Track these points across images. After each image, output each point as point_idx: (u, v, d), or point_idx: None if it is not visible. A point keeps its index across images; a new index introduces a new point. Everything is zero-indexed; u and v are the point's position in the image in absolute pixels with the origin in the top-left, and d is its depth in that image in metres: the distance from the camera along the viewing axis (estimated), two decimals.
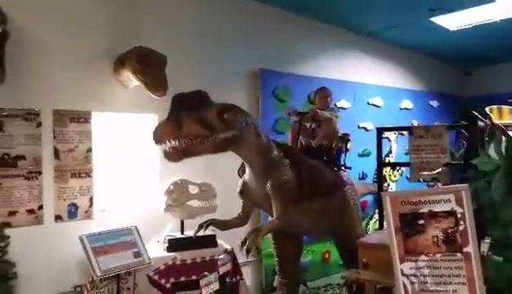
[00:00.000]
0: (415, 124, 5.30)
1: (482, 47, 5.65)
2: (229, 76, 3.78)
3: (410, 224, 1.41)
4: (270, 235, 3.11)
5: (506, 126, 3.75)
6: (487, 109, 4.04)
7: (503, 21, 4.05)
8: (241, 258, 2.91)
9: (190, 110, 2.28)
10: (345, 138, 3.27)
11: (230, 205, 2.94)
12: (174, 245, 2.90)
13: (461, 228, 1.32)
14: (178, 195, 2.91)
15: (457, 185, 1.35)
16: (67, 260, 2.71)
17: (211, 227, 2.81)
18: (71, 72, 2.89)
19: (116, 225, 2.81)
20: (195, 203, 2.97)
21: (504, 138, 3.56)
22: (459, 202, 1.33)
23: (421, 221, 1.40)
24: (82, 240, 2.58)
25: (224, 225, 2.85)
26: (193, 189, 2.99)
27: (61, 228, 2.81)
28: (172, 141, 2.21)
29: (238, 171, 2.90)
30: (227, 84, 3.74)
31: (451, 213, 1.35)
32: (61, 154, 2.83)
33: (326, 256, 4.29)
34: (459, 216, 1.33)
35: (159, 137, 2.26)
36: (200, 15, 3.62)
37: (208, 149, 2.37)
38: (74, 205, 2.90)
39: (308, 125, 3.17)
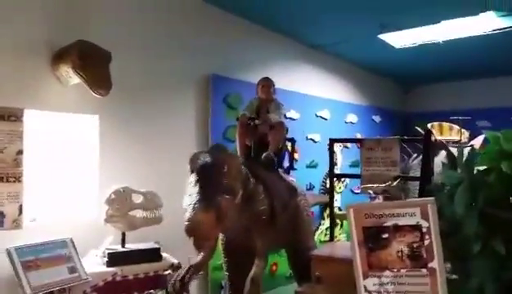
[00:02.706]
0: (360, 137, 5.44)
1: (423, 66, 5.96)
2: (179, 79, 3.63)
3: (374, 238, 1.36)
4: (221, 249, 2.98)
5: (447, 141, 3.95)
6: (429, 125, 4.24)
7: (445, 42, 4.27)
8: None
9: (220, 183, 2.16)
10: (292, 140, 3.27)
11: (177, 215, 2.77)
12: (114, 259, 2.66)
13: (427, 242, 1.29)
14: (120, 205, 2.70)
15: (423, 198, 1.31)
16: None
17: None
18: (1, 64, 2.59)
19: (49, 237, 2.53)
20: (138, 213, 2.76)
21: (444, 152, 3.76)
22: (424, 216, 1.29)
23: (385, 235, 1.35)
24: (9, 253, 2.30)
25: (200, 267, 2.67)
26: (137, 198, 2.78)
27: None
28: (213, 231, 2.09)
29: None
30: (176, 87, 3.60)
31: (416, 227, 1.31)
32: None
33: (274, 268, 4.21)
34: (424, 230, 1.29)
35: (199, 234, 2.08)
36: (151, 15, 3.44)
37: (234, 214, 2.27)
38: (1, 213, 2.57)
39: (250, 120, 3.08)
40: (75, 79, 2.67)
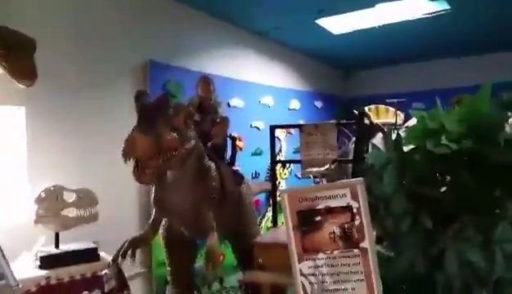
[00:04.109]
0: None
1: (362, 51, 6.12)
2: (113, 67, 3.45)
3: (308, 221, 1.35)
4: (162, 242, 2.89)
5: (384, 124, 4.09)
6: (366, 108, 4.36)
7: (381, 27, 4.39)
8: (128, 270, 2.64)
9: (165, 119, 2.01)
10: (232, 136, 3.22)
11: (113, 211, 2.66)
12: (48, 262, 2.50)
13: (357, 222, 1.29)
14: (51, 204, 2.53)
15: (352, 179, 1.32)
16: None
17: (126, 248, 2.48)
18: None
19: None
20: (71, 212, 2.61)
21: (381, 134, 3.89)
22: (354, 197, 1.30)
23: (318, 218, 1.34)
24: None
25: (141, 242, 2.55)
26: (69, 197, 2.63)
27: None
28: (151, 158, 1.91)
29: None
30: (111, 75, 3.42)
31: (347, 208, 1.31)
32: None
33: (220, 258, 4.18)
34: (354, 210, 1.30)
35: (131, 152, 1.90)
36: None
37: (178, 164, 2.13)
38: None
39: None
40: None
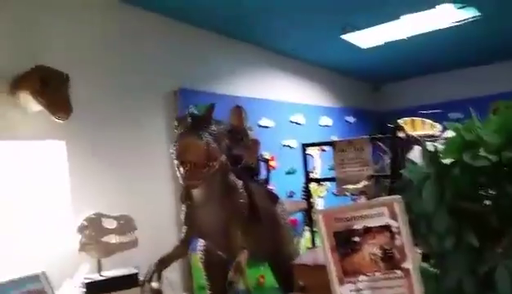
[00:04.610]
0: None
1: (392, 63, 6.05)
2: (144, 96, 3.57)
3: (346, 242, 1.32)
4: (201, 265, 2.90)
5: (420, 136, 3.99)
6: (400, 121, 4.27)
7: (409, 38, 4.33)
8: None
9: (211, 129, 2.14)
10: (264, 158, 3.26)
11: (152, 236, 2.71)
12: (92, 288, 2.57)
13: (398, 242, 1.25)
14: (93, 231, 2.61)
15: (389, 197, 1.29)
16: None
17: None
18: None
19: (23, 272, 2.38)
20: (112, 239, 2.67)
21: (420, 147, 3.78)
22: (392, 215, 1.26)
23: (356, 238, 1.31)
24: None
25: (168, 261, 2.55)
26: (109, 224, 2.70)
27: None
28: (201, 164, 2.04)
29: (181, 196, 2.62)
30: (142, 104, 3.53)
31: (385, 228, 1.27)
32: None
33: (261, 280, 4.14)
34: (394, 230, 1.26)
35: (187, 155, 2.03)
36: (109, 30, 3.38)
37: (215, 174, 2.23)
38: None
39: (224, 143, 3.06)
40: (36, 106, 2.59)
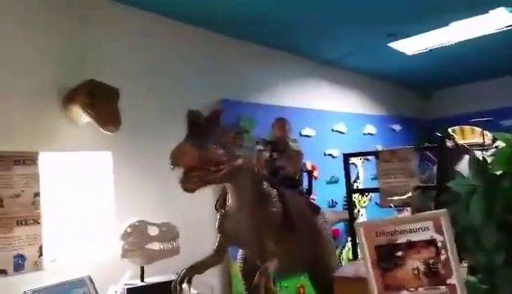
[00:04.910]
0: (380, 149, 5.32)
1: (440, 70, 5.83)
2: (189, 108, 3.63)
3: (388, 256, 1.28)
4: (239, 274, 2.91)
5: (470, 145, 3.80)
6: (449, 129, 4.09)
7: (457, 44, 4.16)
8: None
9: (214, 135, 2.13)
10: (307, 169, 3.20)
11: (193, 244, 2.74)
12: None
13: (443, 257, 1.19)
14: (136, 238, 2.68)
15: (435, 211, 1.23)
16: None
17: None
18: (15, 109, 2.67)
19: (70, 276, 2.52)
20: (155, 246, 2.73)
21: (468, 157, 3.60)
22: (438, 230, 1.20)
23: (399, 253, 1.26)
24: None
25: (201, 268, 2.56)
26: (152, 231, 2.76)
27: (7, 283, 2.48)
28: (195, 169, 2.04)
29: (215, 205, 2.66)
30: (185, 115, 3.60)
31: (430, 242, 1.22)
32: (5, 201, 2.54)
33: (301, 291, 4.09)
34: (439, 244, 1.20)
35: (178, 160, 2.04)
36: (156, 45, 3.50)
37: (223, 178, 2.21)
38: (21, 256, 2.59)
39: (268, 154, 3.05)
40: (86, 118, 2.72)
